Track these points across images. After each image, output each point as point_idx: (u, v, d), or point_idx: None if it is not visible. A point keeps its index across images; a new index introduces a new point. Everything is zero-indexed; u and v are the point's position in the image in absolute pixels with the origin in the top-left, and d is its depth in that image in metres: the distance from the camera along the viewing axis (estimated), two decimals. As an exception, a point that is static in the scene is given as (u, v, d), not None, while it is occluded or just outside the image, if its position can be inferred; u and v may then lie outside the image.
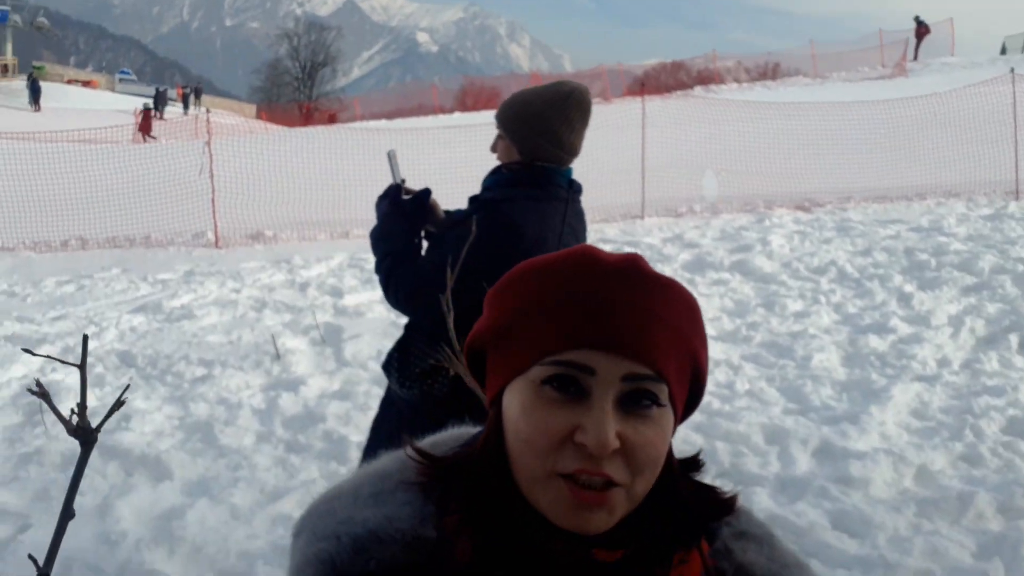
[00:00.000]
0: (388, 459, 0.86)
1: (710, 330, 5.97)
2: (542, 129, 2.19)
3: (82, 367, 0.66)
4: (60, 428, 4.53)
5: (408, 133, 12.99)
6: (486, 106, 32.07)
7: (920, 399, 4.59)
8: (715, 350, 5.54)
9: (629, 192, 10.90)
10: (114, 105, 38.29)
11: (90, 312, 6.90)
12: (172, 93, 46.03)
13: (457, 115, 26.59)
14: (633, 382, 0.73)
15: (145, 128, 26.21)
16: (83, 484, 3.83)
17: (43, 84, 38.39)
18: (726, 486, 0.85)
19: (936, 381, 4.85)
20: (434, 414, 2.07)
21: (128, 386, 0.72)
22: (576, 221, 2.28)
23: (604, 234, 9.59)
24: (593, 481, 0.71)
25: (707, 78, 34.96)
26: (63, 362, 0.61)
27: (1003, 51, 31.17)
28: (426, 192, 2.28)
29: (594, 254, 0.78)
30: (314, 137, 14.99)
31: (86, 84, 49.83)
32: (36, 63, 52.23)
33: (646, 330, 0.74)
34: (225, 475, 3.93)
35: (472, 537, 0.76)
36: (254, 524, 3.46)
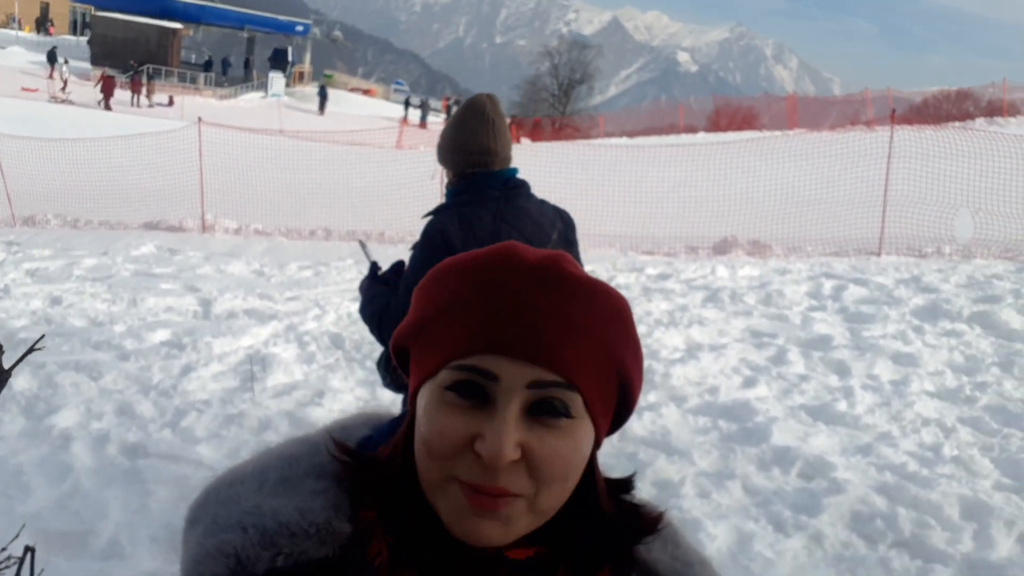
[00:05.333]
0: (295, 443, 0.82)
1: (927, 385, 5.36)
2: (453, 145, 2.47)
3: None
4: (265, 396, 5.02)
5: (638, 150, 12.97)
6: (739, 127, 31.13)
7: None
8: (927, 407, 4.97)
9: (867, 226, 10.09)
10: (385, 112, 41.81)
11: (318, 296, 7.58)
12: (437, 104, 49.49)
13: (701, 135, 26.07)
14: (540, 389, 0.68)
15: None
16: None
17: (330, 91, 42.86)
18: (660, 508, 0.80)
19: None
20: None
21: (43, 336, 0.78)
22: (516, 216, 2.42)
23: (831, 268, 8.92)
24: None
25: (996, 109, 31.49)
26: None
27: None
28: (400, 263, 2.62)
29: (514, 253, 0.73)
30: (548, 151, 15.41)
31: (365, 92, 54.89)
32: (327, 72, 58.41)
33: (556, 335, 0.69)
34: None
35: (387, 534, 0.73)
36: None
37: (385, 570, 0.71)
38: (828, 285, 8.02)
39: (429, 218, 2.47)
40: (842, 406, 4.94)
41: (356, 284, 8.24)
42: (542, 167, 12.83)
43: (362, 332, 6.30)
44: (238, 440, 4.30)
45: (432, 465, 0.70)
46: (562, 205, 2.64)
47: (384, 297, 2.54)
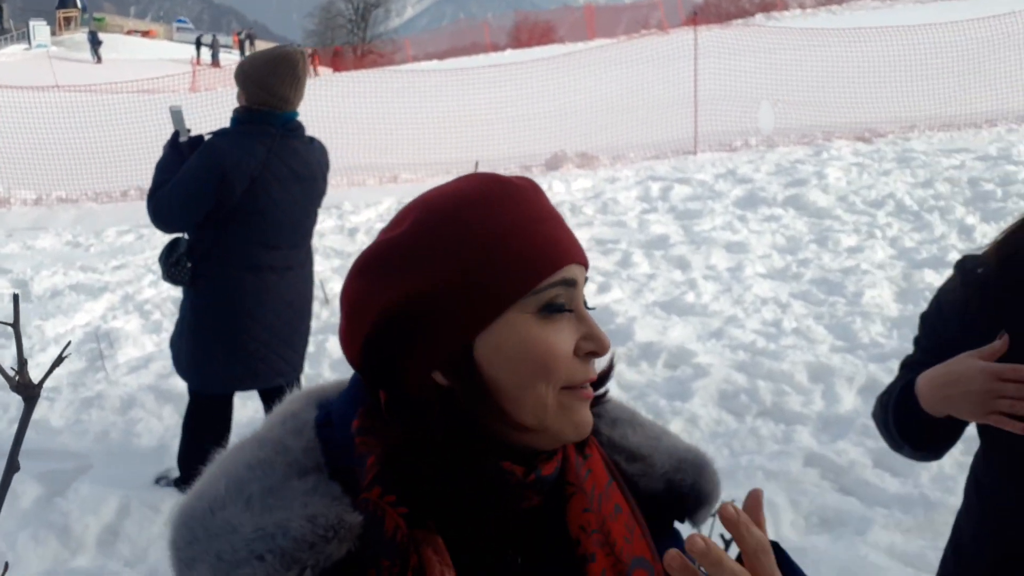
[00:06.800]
0: (252, 448, 0.76)
1: (759, 268, 5.85)
2: (257, 80, 2.89)
3: (15, 326, 0.67)
4: (120, 373, 4.73)
5: (456, 73, 12.88)
6: (540, 42, 31.48)
7: (975, 335, 4.44)
8: (763, 288, 5.45)
9: (681, 127, 10.66)
10: (172, 55, 38.79)
11: (148, 260, 7.11)
12: (228, 40, 46.42)
13: (509, 52, 26.19)
14: (584, 283, 0.77)
15: None
16: (140, 427, 4.01)
17: (104, 36, 39.07)
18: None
19: (994, 317, 4.68)
20: (195, 299, 3.06)
21: (69, 343, 0.73)
22: (287, 154, 2.94)
23: (654, 171, 9.40)
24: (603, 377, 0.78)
25: (769, 5, 33.67)
26: (-3, 322, 0.63)
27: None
28: (200, 137, 3.03)
29: (501, 180, 0.76)
30: (362, 81, 14.97)
31: (145, 34, 50.53)
32: (96, 15, 53.10)
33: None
34: (273, 416, 4.06)
35: (398, 505, 0.71)
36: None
37: (407, 541, 0.70)
38: (655, 187, 8.47)
39: (210, 137, 2.95)
40: (690, 297, 5.32)
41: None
42: (357, 99, 12.48)
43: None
44: (104, 423, 4.04)
45: (546, 386, 0.72)
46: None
47: (167, 174, 2.94)
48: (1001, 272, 1.27)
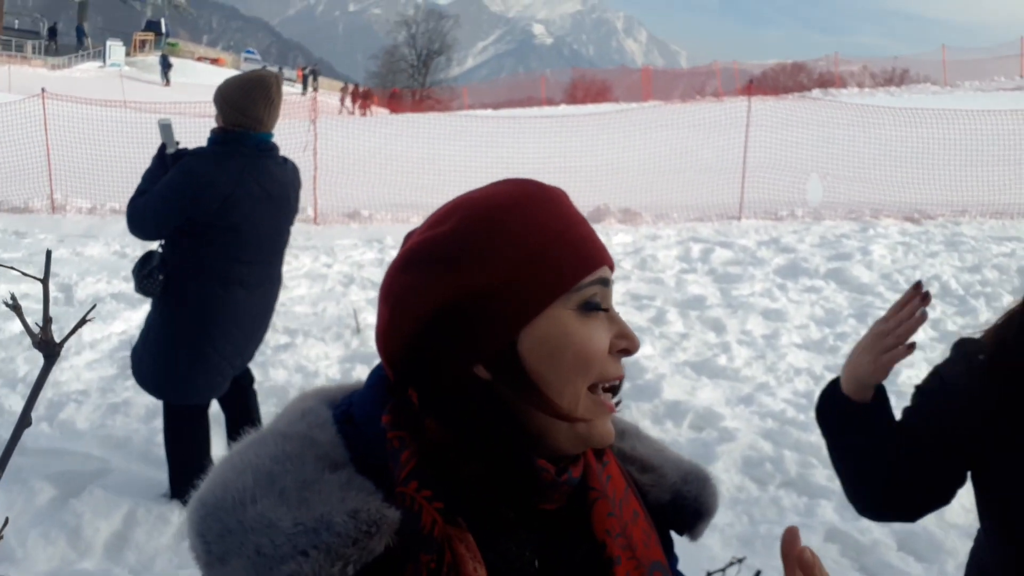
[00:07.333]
0: (274, 440, 0.75)
1: (795, 338, 5.77)
2: (232, 103, 3.01)
3: (44, 282, 0.69)
4: (149, 381, 4.77)
5: (508, 121, 13.07)
6: (595, 100, 31.90)
7: (1014, 426, 4.30)
8: (798, 358, 5.36)
9: (727, 192, 10.64)
10: (237, 83, 39.95)
11: (191, 276, 7.24)
12: (292, 74, 47.78)
13: (563, 107, 26.53)
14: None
15: None
16: (161, 436, 4.03)
17: (175, 60, 40.49)
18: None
19: (1035, 408, 4.53)
20: (163, 310, 3.12)
21: (94, 306, 0.74)
22: (260, 174, 3.04)
23: (697, 233, 9.38)
24: (616, 386, 0.79)
25: (828, 81, 33.84)
26: (24, 274, 0.64)
27: None
28: (185, 151, 3.13)
29: (540, 185, 0.80)
30: (416, 122, 15.27)
31: (214, 62, 52.22)
32: (171, 40, 55.09)
33: None
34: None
35: (434, 500, 0.71)
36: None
37: (443, 536, 0.70)
38: (696, 248, 8.44)
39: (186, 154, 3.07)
40: (722, 360, 5.25)
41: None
42: (409, 139, 12.73)
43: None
44: (127, 429, 4.09)
45: (581, 381, 0.75)
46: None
47: (149, 184, 3.06)
48: (1003, 352, 1.24)
